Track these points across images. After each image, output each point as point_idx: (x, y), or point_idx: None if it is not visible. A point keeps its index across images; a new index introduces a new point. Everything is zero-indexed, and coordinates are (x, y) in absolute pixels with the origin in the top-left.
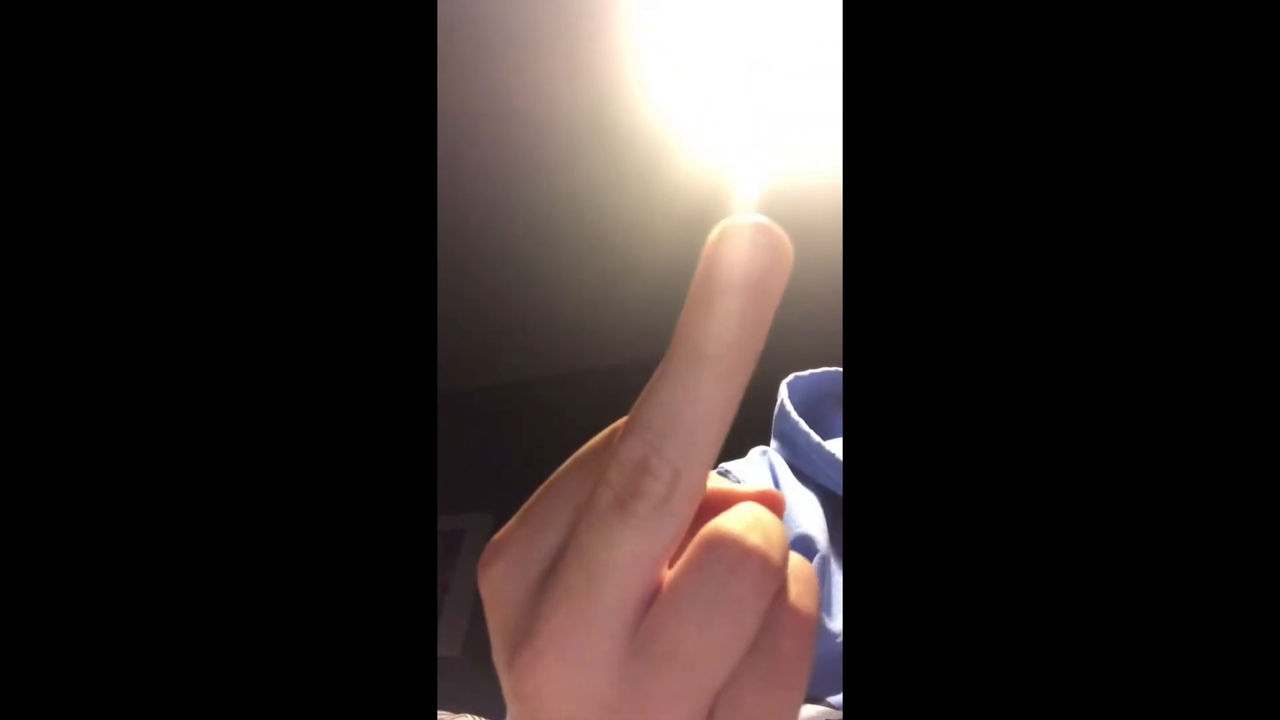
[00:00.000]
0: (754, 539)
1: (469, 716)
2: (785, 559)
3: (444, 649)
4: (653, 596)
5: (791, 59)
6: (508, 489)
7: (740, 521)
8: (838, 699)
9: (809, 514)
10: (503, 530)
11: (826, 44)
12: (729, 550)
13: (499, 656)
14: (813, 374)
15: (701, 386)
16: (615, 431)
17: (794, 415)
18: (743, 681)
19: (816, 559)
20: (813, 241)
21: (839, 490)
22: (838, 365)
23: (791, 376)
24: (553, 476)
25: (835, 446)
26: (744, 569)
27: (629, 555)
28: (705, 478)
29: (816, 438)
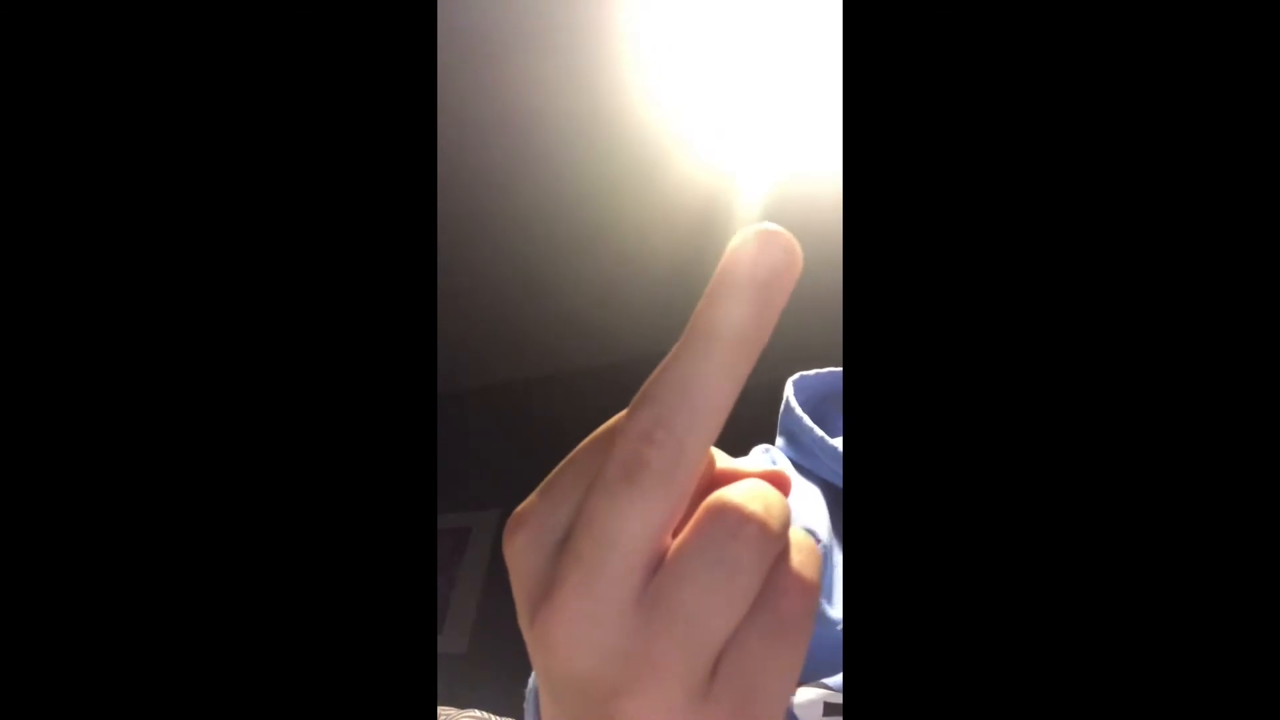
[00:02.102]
0: (753, 507)
1: (475, 711)
2: (785, 527)
3: (451, 645)
4: (659, 560)
5: (791, 59)
6: (513, 488)
7: (741, 492)
8: (834, 680)
9: (813, 507)
10: (523, 504)
11: (826, 44)
12: (730, 517)
13: (523, 616)
14: (818, 374)
15: (709, 369)
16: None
17: (798, 411)
18: (745, 639)
19: (819, 549)
20: (813, 242)
21: (841, 483)
22: (839, 365)
23: (797, 375)
24: (569, 455)
25: (839, 443)
26: (743, 533)
27: (635, 523)
28: (707, 452)
29: (820, 432)
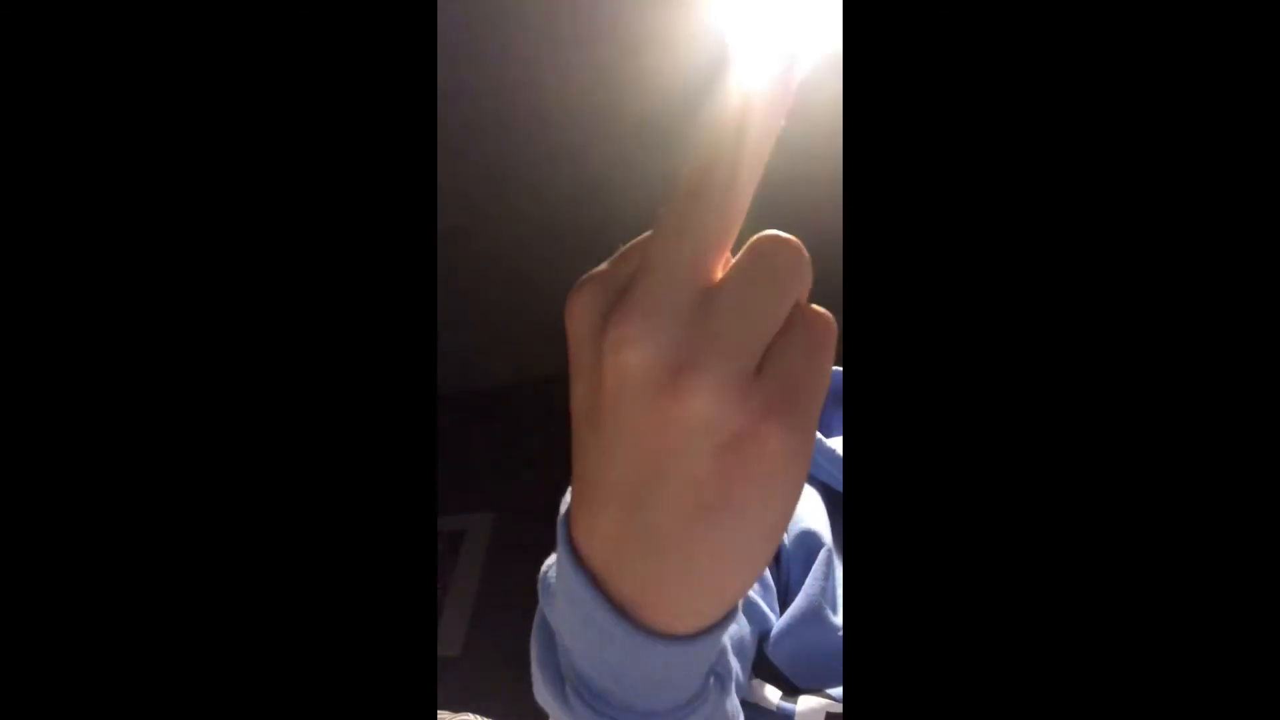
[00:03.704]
0: (788, 237)
1: (470, 716)
2: (808, 260)
3: (444, 649)
4: (714, 279)
5: (790, 59)
6: (508, 489)
7: (777, 231)
8: (838, 690)
9: (813, 510)
10: (586, 275)
11: (827, 44)
12: (773, 239)
13: (582, 361)
14: None
15: (745, 123)
16: None
17: None
18: (785, 344)
19: (823, 553)
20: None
21: (840, 486)
22: (838, 365)
23: None
24: (629, 243)
25: (836, 444)
26: (783, 249)
27: (700, 227)
28: (755, 181)
29: (817, 434)
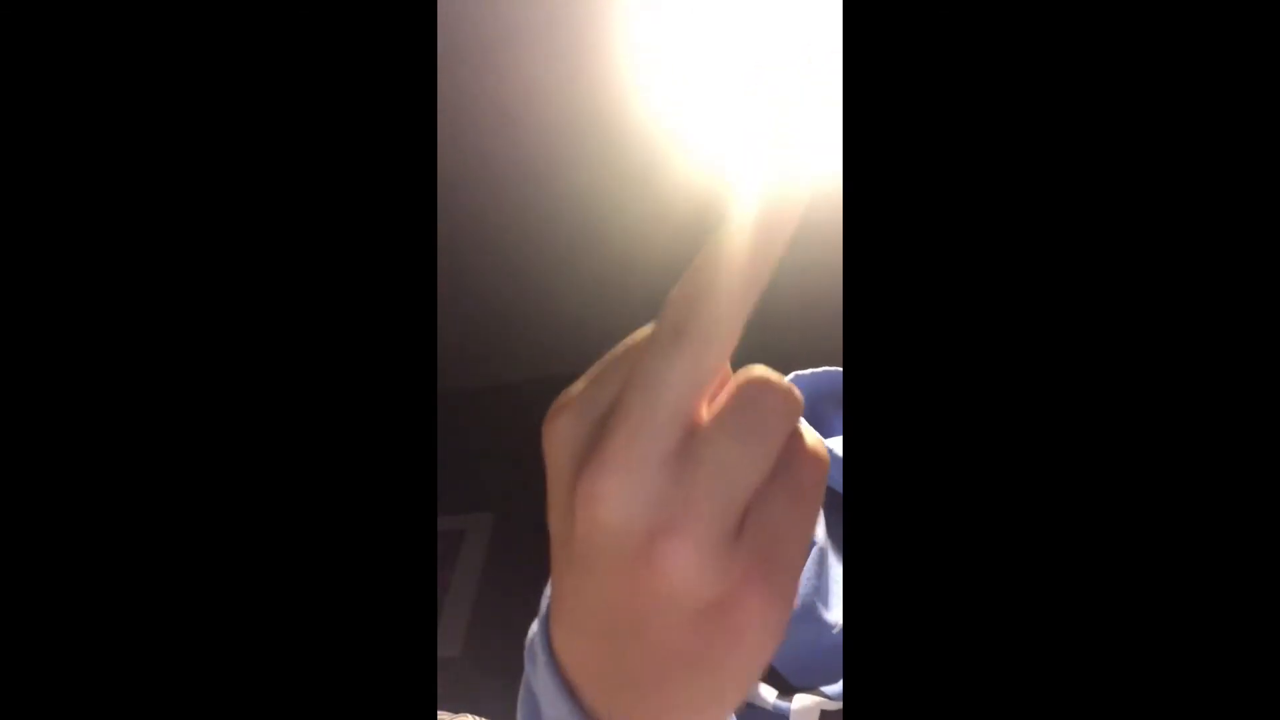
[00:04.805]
0: (777, 379)
1: (469, 716)
2: (800, 403)
3: (444, 649)
4: (695, 425)
5: (791, 60)
6: (508, 489)
7: (766, 370)
8: (832, 689)
9: None
10: (562, 395)
11: (827, 44)
12: (759, 382)
13: (560, 488)
14: (813, 373)
15: (744, 250)
16: None
17: None
18: (769, 498)
19: (814, 551)
20: (813, 241)
21: (838, 486)
22: (837, 365)
23: (792, 375)
24: (607, 356)
25: (834, 444)
26: (772, 394)
27: (680, 377)
28: (742, 323)
29: (816, 434)
